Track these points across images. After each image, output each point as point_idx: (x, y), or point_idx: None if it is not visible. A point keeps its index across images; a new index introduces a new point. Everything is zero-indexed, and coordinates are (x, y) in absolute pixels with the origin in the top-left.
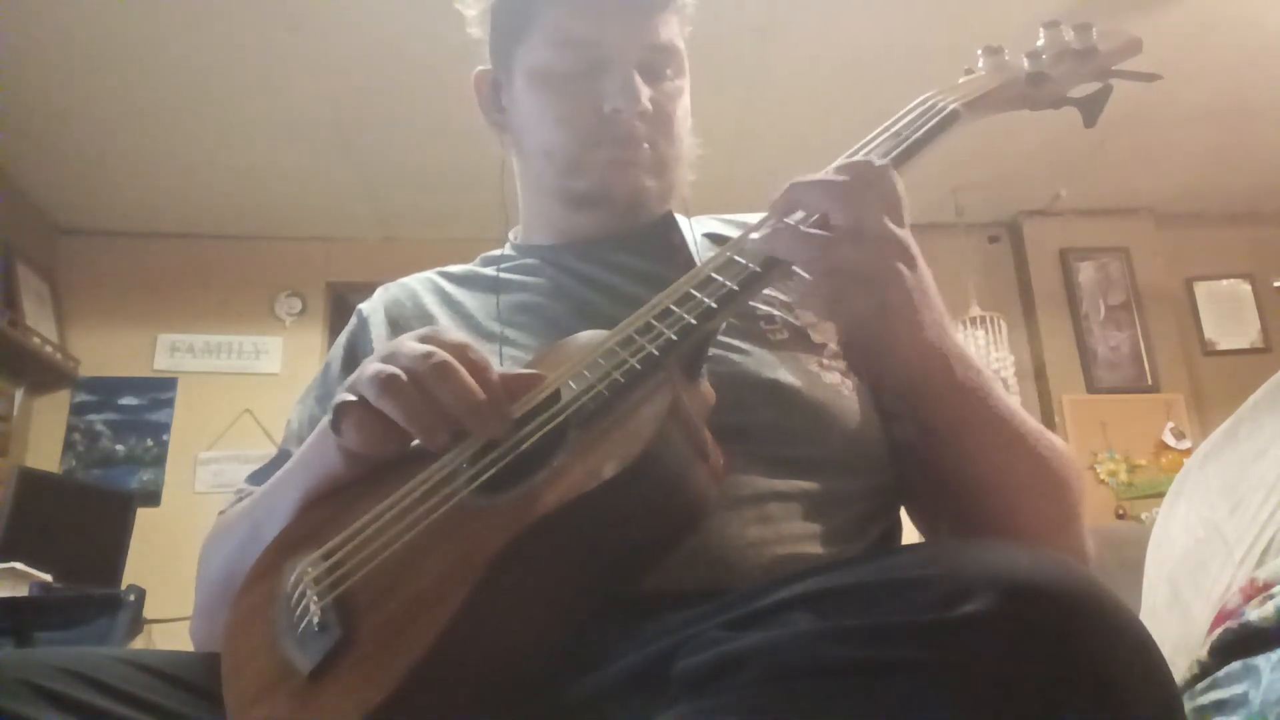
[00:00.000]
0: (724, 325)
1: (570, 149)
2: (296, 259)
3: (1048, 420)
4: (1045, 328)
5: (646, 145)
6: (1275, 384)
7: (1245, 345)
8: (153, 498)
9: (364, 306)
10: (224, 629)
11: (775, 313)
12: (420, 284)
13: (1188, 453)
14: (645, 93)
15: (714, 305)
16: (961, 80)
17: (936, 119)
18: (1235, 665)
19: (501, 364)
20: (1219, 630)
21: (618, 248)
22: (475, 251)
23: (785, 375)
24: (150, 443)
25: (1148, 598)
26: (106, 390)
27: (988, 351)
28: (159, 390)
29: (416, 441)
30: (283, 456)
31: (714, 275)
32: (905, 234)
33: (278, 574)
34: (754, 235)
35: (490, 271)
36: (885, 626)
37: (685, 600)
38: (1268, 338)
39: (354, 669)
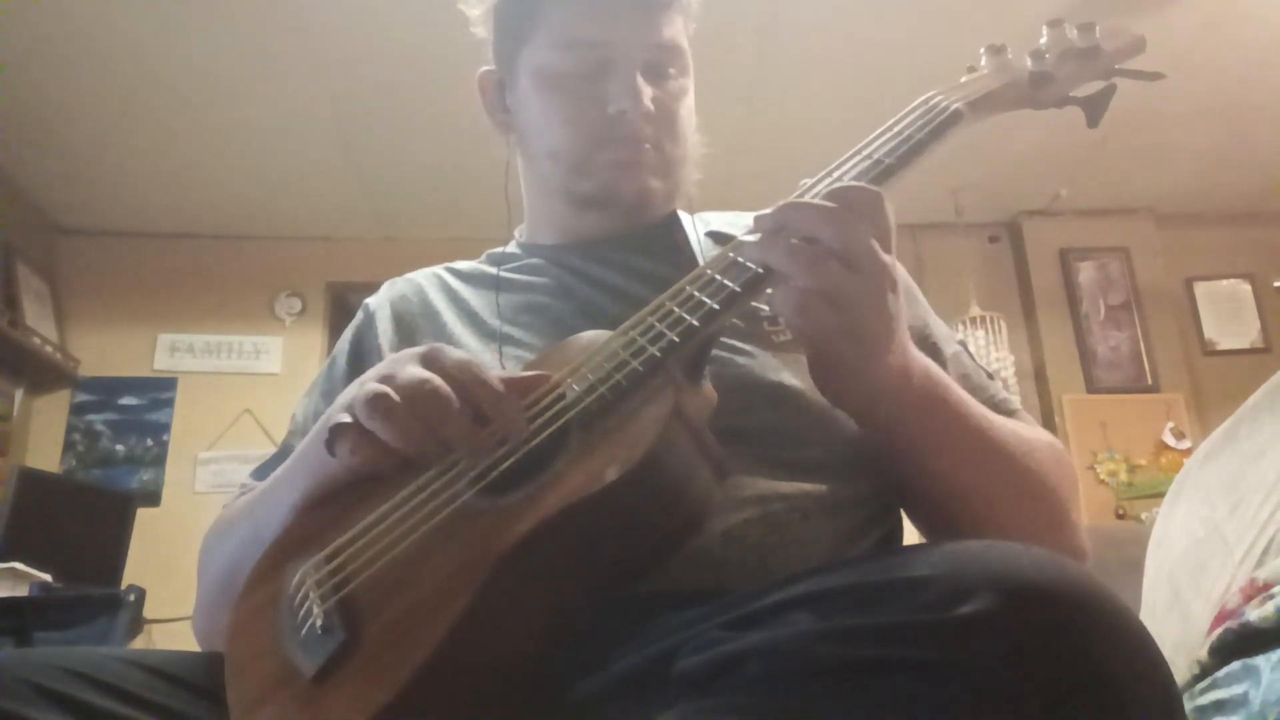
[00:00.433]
0: (726, 327)
1: (575, 150)
2: (296, 259)
3: (1048, 420)
4: (1045, 328)
5: (651, 146)
6: (1275, 384)
7: (1245, 345)
8: (153, 498)
9: (370, 301)
10: (226, 630)
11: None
12: (426, 280)
13: (1188, 453)
14: (649, 93)
15: (716, 307)
16: (964, 79)
17: (939, 119)
18: (1235, 665)
19: (502, 363)
20: (1219, 630)
21: (622, 247)
22: (476, 251)
23: (788, 378)
24: (150, 443)
25: (1148, 598)
26: (106, 390)
27: (988, 351)
28: (159, 390)
29: None
30: (287, 451)
31: (717, 277)
32: (892, 260)
33: (280, 576)
34: (748, 238)
35: (500, 272)
36: (885, 626)
37: (685, 600)
38: (1268, 338)
39: (358, 672)
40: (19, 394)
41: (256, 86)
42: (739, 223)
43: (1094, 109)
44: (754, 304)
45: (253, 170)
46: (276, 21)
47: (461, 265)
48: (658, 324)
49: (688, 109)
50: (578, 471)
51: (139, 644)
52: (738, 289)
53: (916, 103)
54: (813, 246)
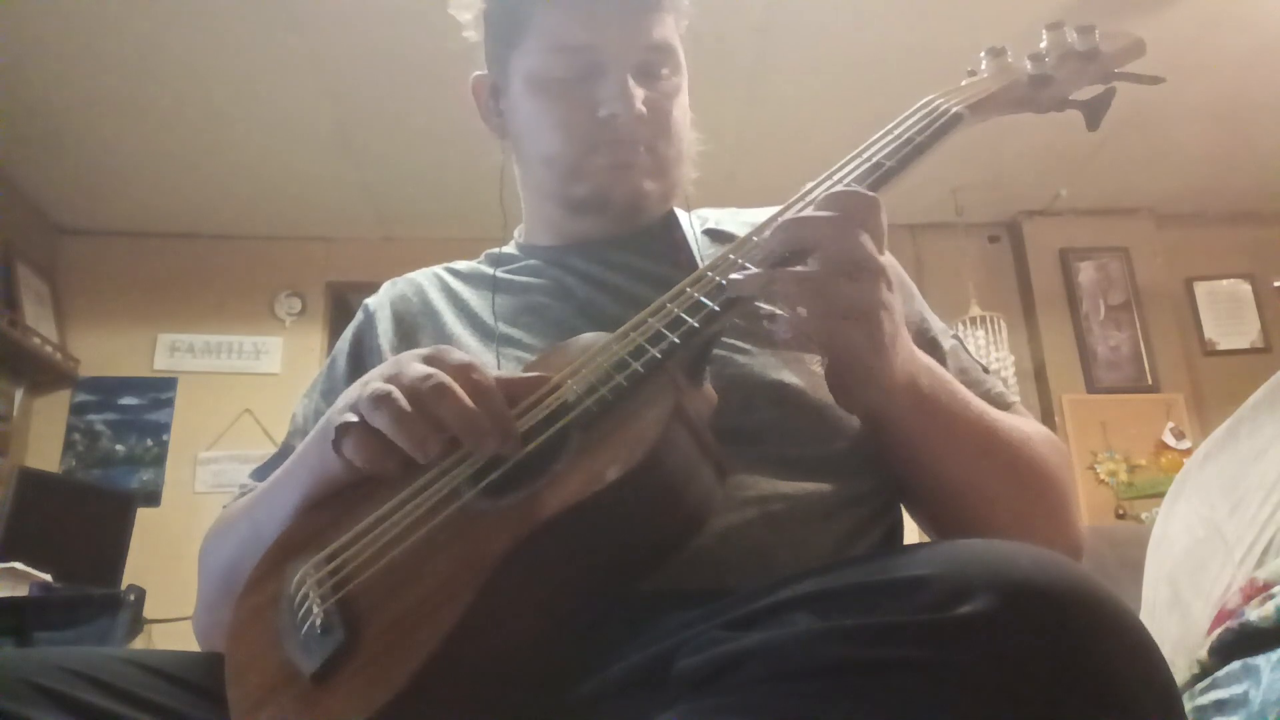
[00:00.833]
0: (727, 328)
1: (569, 155)
2: (296, 259)
3: (1047, 420)
4: (1045, 328)
5: (644, 148)
6: (1275, 384)
7: (1245, 345)
8: (153, 498)
9: (370, 302)
10: (227, 631)
11: (779, 312)
12: (426, 279)
13: (1188, 453)
14: (640, 95)
15: (717, 309)
16: (964, 82)
17: (940, 122)
18: (1235, 665)
19: (499, 365)
20: (1219, 630)
21: (620, 248)
22: (475, 251)
23: (789, 376)
24: (150, 443)
25: (1148, 598)
26: (106, 390)
27: (988, 351)
28: (159, 390)
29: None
30: (287, 451)
31: (717, 278)
32: (888, 260)
33: (280, 576)
34: (738, 260)
35: (496, 272)
36: (885, 626)
37: (685, 600)
38: (1268, 338)
39: (358, 672)
40: (19, 394)
41: (256, 86)
42: (736, 219)
43: (1094, 112)
44: (755, 303)
45: (253, 170)
46: (276, 21)
47: (461, 265)
48: (658, 325)
49: (681, 108)
50: (578, 472)
51: (139, 644)
52: (740, 292)
53: (917, 105)
54: (814, 276)
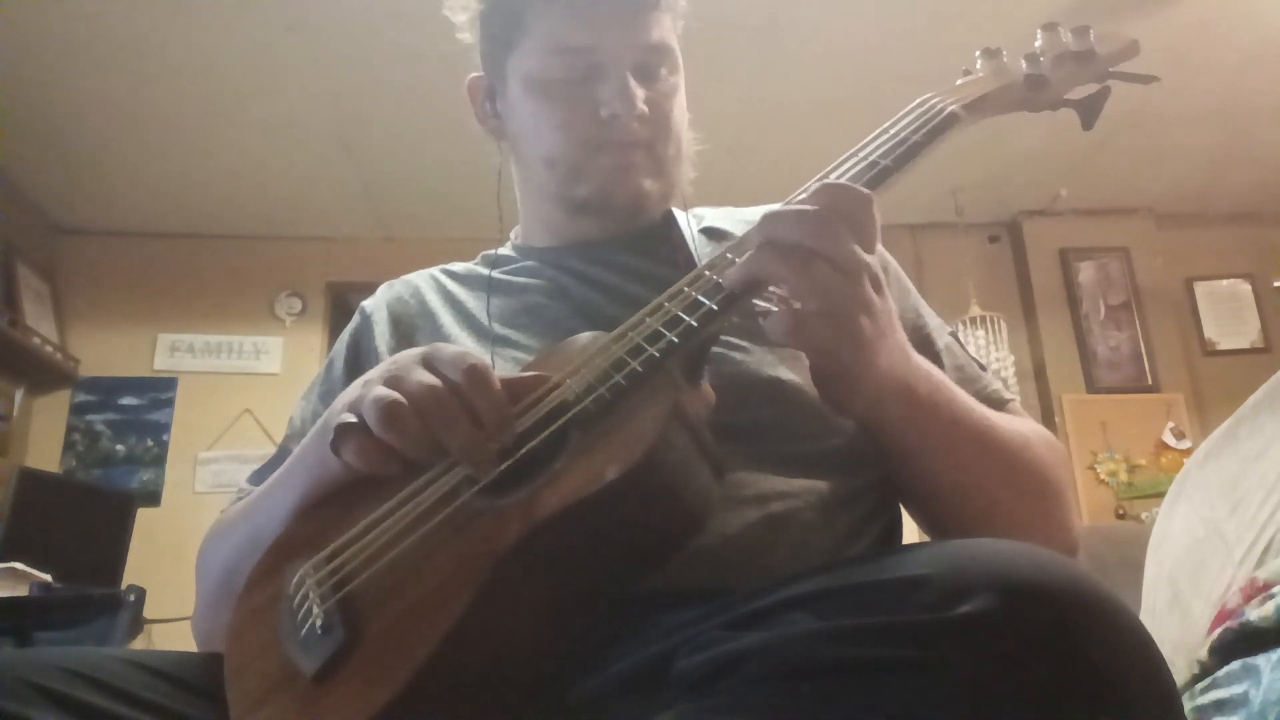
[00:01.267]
0: (725, 327)
1: (570, 156)
2: (296, 259)
3: (1048, 420)
4: (1045, 328)
5: (645, 148)
6: (1275, 384)
7: (1245, 345)
8: (153, 498)
9: (367, 304)
10: (226, 631)
11: (775, 309)
12: (423, 281)
13: (1188, 453)
14: (641, 95)
15: (715, 308)
16: (960, 82)
17: (935, 121)
18: (1235, 665)
19: (495, 366)
20: (1219, 630)
21: (618, 248)
22: (475, 251)
23: (786, 373)
24: (150, 443)
25: (1148, 598)
26: (106, 390)
27: (988, 351)
28: (159, 390)
29: None
30: (284, 454)
31: (715, 276)
32: (875, 260)
33: (279, 576)
34: (736, 260)
35: (492, 273)
36: (885, 626)
37: (685, 600)
38: (1268, 338)
39: (358, 672)
40: (19, 394)
41: (256, 86)
42: (734, 218)
43: (1089, 111)
44: (753, 301)
45: (253, 170)
46: (276, 21)
47: (457, 267)
48: (656, 325)
49: (680, 107)
50: (577, 471)
51: (139, 644)
52: (736, 290)
53: (913, 105)
54: (801, 253)
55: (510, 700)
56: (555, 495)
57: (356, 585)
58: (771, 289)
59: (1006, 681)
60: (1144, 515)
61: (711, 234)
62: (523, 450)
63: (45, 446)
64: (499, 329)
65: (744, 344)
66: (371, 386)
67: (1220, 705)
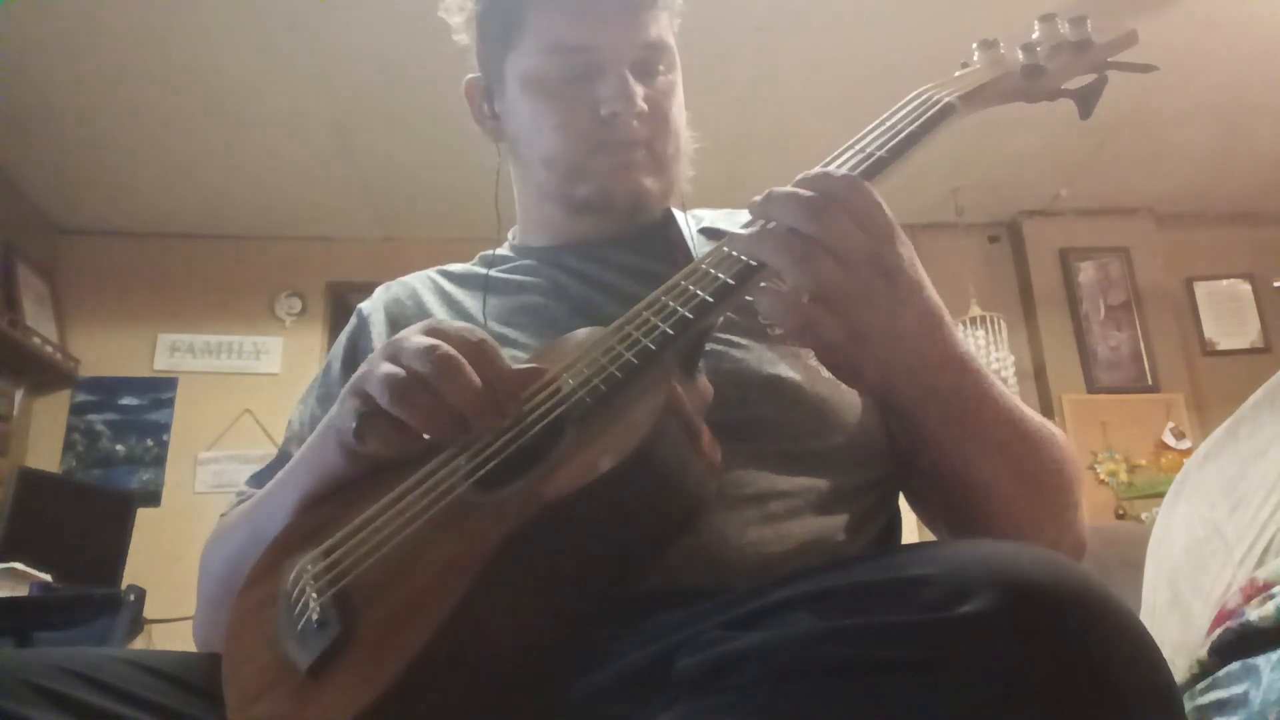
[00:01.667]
0: (721, 319)
1: (570, 155)
2: (296, 259)
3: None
4: (1045, 328)
5: (644, 146)
6: (1275, 384)
7: (1245, 345)
8: (153, 498)
9: (364, 306)
10: (225, 627)
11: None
12: (420, 282)
13: (1188, 453)
14: (640, 93)
15: (710, 300)
16: (957, 74)
17: (931, 112)
18: (1235, 665)
19: None
20: (1219, 630)
21: (616, 246)
22: (474, 251)
23: (785, 370)
24: (150, 443)
25: (1148, 598)
26: (106, 390)
27: (988, 351)
28: (159, 390)
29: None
30: (284, 457)
31: (710, 270)
32: (878, 246)
33: (278, 573)
34: (740, 231)
35: (490, 272)
36: (885, 626)
37: (685, 599)
38: (1268, 338)
39: (352, 665)
40: (19, 394)
41: (256, 86)
42: (732, 219)
43: (1086, 101)
44: (748, 296)
45: (253, 170)
46: (276, 21)
47: (455, 268)
48: (652, 318)
49: (678, 105)
50: (572, 463)
51: (139, 644)
52: (731, 281)
53: (909, 97)
54: (800, 239)
55: (505, 694)
56: (550, 488)
57: (352, 580)
58: (768, 283)
59: (1007, 682)
60: (1144, 515)
61: (710, 234)
62: (519, 442)
63: (45, 446)
64: (497, 328)
65: (744, 341)
66: (377, 363)
67: (1220, 705)
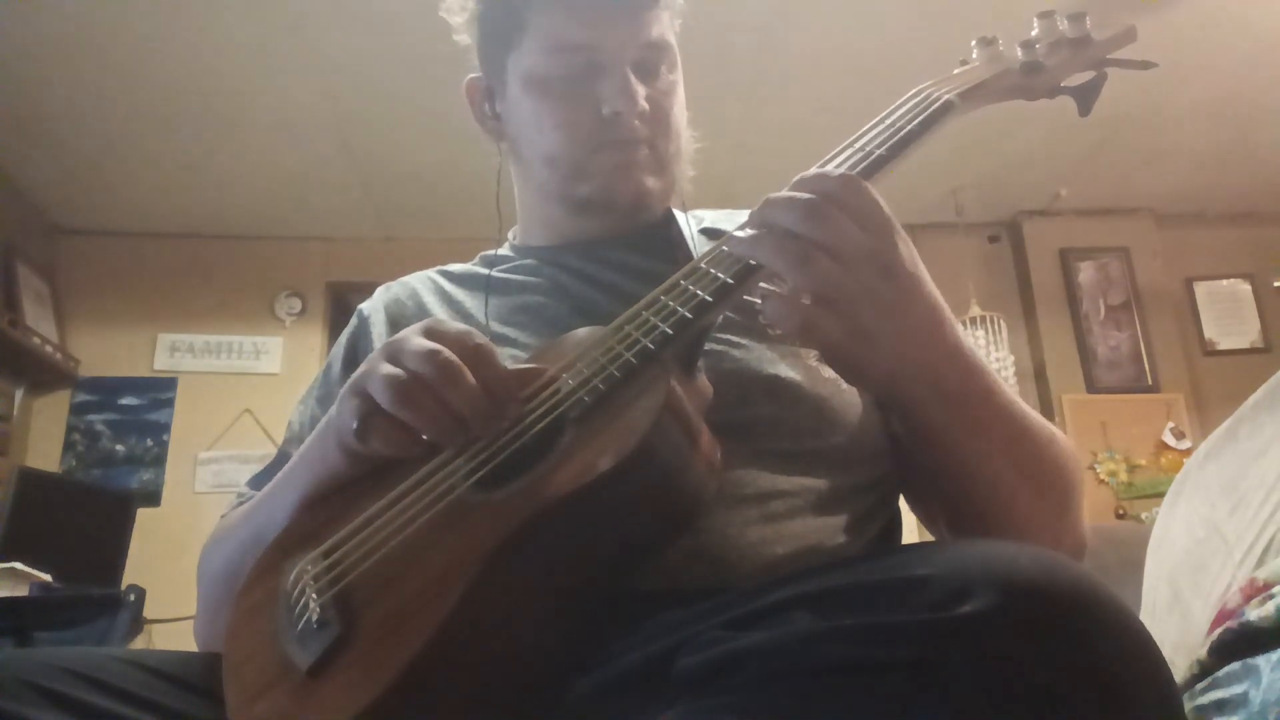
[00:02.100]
0: (720, 318)
1: (572, 155)
2: (296, 259)
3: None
4: (1045, 328)
5: (646, 146)
6: (1275, 384)
7: (1245, 345)
8: (153, 498)
9: (364, 306)
10: (226, 627)
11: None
12: (420, 283)
13: (1188, 453)
14: (642, 92)
15: (709, 299)
16: (956, 71)
17: (930, 110)
18: (1235, 665)
19: None
20: (1219, 630)
21: (617, 246)
22: (475, 251)
23: (785, 370)
24: (150, 443)
25: (1148, 598)
26: (106, 390)
27: (988, 351)
28: (159, 390)
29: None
30: (283, 458)
31: (709, 269)
32: (879, 244)
33: (278, 573)
34: (738, 234)
35: (490, 272)
36: (885, 626)
37: (685, 599)
38: (1268, 338)
39: (352, 665)
40: (19, 394)
41: (256, 86)
42: (732, 219)
43: (1085, 98)
44: (747, 297)
45: (253, 170)
46: (276, 21)
47: (455, 268)
48: (651, 317)
49: (679, 105)
50: (572, 463)
51: (139, 644)
52: (730, 280)
53: (908, 95)
54: (799, 241)
55: (505, 694)
56: (549, 488)
57: (352, 580)
58: (768, 285)
59: (1007, 682)
60: (1144, 515)
61: (711, 234)
62: (519, 443)
63: (45, 446)
64: (498, 328)
65: (743, 341)
66: (377, 364)
67: (1220, 705)
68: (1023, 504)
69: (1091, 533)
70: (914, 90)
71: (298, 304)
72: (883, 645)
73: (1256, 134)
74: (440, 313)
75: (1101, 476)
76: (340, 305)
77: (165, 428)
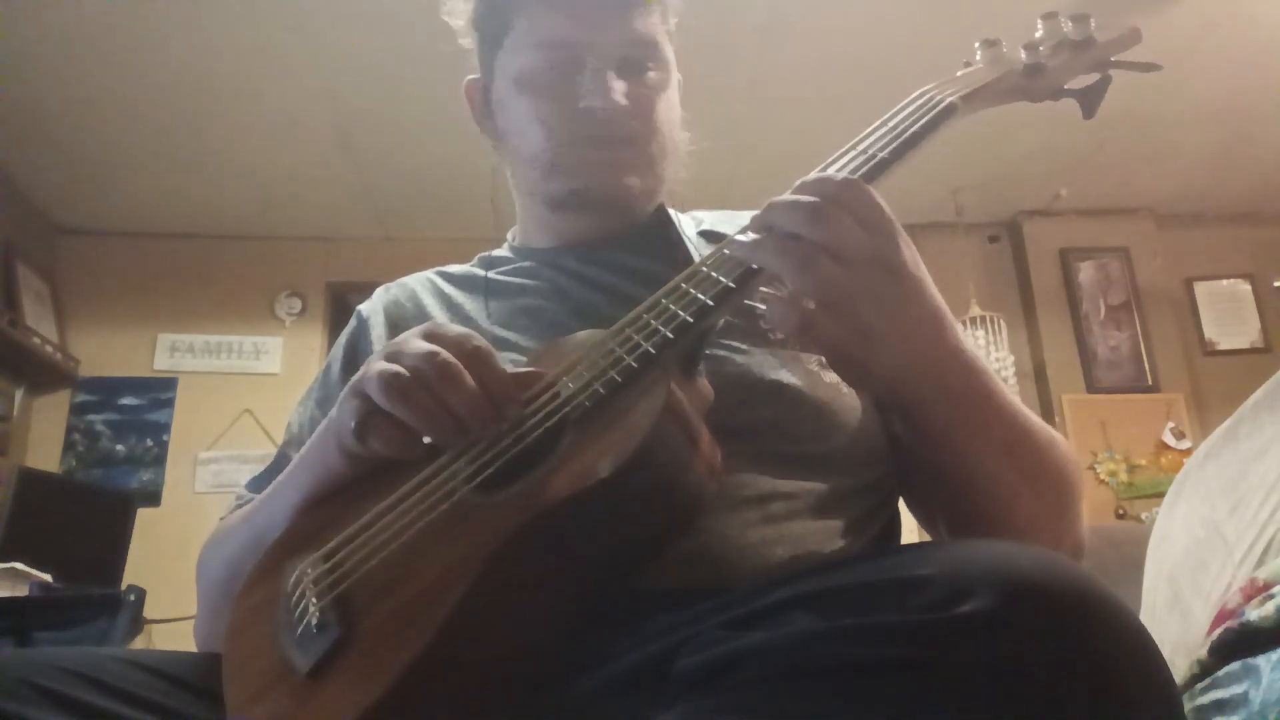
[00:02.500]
0: (721, 322)
1: (549, 150)
2: (296, 259)
3: (1047, 420)
4: (1045, 328)
5: (626, 143)
6: (1275, 384)
7: (1245, 345)
8: (153, 498)
9: (363, 308)
10: (226, 629)
11: (774, 301)
12: (419, 284)
13: (1188, 453)
14: (621, 88)
15: (710, 303)
16: (959, 73)
17: (933, 112)
18: (1235, 665)
19: None
20: (1219, 630)
21: (615, 248)
22: (474, 251)
23: (787, 375)
24: (150, 443)
25: (1148, 598)
26: (106, 390)
27: (988, 351)
28: (159, 390)
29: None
30: (282, 460)
31: (710, 272)
32: (882, 246)
33: (278, 575)
34: (740, 238)
35: (489, 274)
36: (885, 626)
37: (685, 599)
38: (1268, 338)
39: (352, 668)
40: (19, 394)
41: (256, 86)
42: (731, 221)
43: (1089, 100)
44: (748, 301)
45: (253, 170)
46: (276, 21)
47: (454, 269)
48: (652, 320)
49: (666, 104)
50: (571, 466)
51: (139, 644)
52: (731, 284)
53: (911, 97)
54: (801, 244)
55: (505, 695)
56: (549, 490)
57: (352, 582)
58: (768, 289)
59: (1007, 681)
60: (1144, 515)
61: (710, 237)
62: (519, 445)
63: (45, 446)
64: (497, 330)
65: (744, 346)
66: (377, 365)
67: (1220, 705)
68: (1022, 505)
69: (1091, 533)
70: (917, 92)
71: (298, 304)
72: (883, 645)
73: (1256, 134)
74: (439, 315)
75: (1101, 476)
76: (340, 305)
77: (165, 428)
